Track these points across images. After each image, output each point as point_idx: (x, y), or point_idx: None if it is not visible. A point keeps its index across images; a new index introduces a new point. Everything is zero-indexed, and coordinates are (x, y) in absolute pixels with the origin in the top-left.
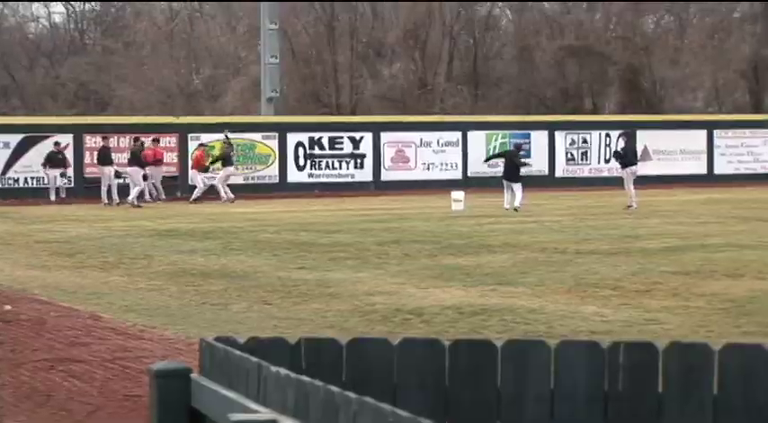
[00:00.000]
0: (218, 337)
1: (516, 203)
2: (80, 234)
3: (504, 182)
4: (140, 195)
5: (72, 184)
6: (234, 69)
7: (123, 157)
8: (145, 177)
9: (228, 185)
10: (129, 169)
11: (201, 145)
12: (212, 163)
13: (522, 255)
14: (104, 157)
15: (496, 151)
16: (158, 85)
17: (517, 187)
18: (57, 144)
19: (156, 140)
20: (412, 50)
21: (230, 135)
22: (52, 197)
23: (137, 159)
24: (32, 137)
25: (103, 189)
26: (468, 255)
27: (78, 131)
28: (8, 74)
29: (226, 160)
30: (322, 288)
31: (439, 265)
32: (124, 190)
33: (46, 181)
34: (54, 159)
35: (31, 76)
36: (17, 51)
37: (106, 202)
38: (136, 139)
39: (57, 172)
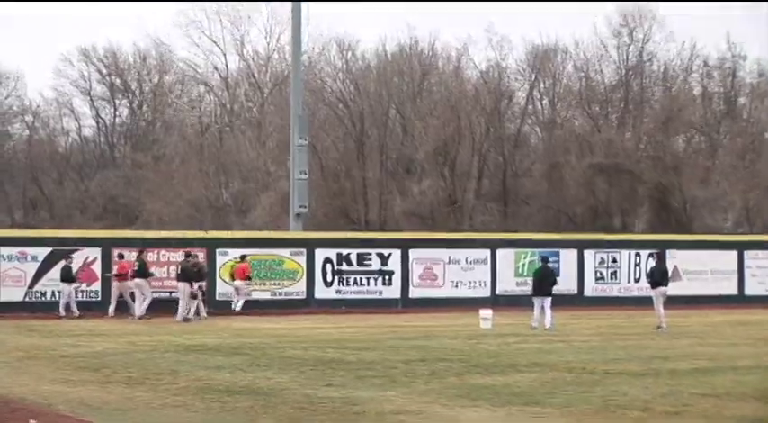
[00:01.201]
0: None
1: (548, 324)
2: (106, 349)
3: (536, 299)
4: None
5: (99, 298)
6: (263, 184)
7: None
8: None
9: (258, 301)
10: (179, 284)
11: (243, 257)
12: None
13: (549, 374)
14: (142, 271)
15: (526, 272)
16: (187, 199)
17: (548, 303)
18: (68, 258)
19: (121, 255)
20: (441, 167)
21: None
22: (74, 312)
23: (186, 275)
24: (60, 250)
25: (137, 303)
26: (496, 374)
27: (106, 245)
28: (37, 187)
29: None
30: (349, 406)
31: (466, 384)
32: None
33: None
34: (67, 274)
35: (60, 189)
36: (47, 165)
37: (142, 315)
38: (187, 255)
39: (70, 286)
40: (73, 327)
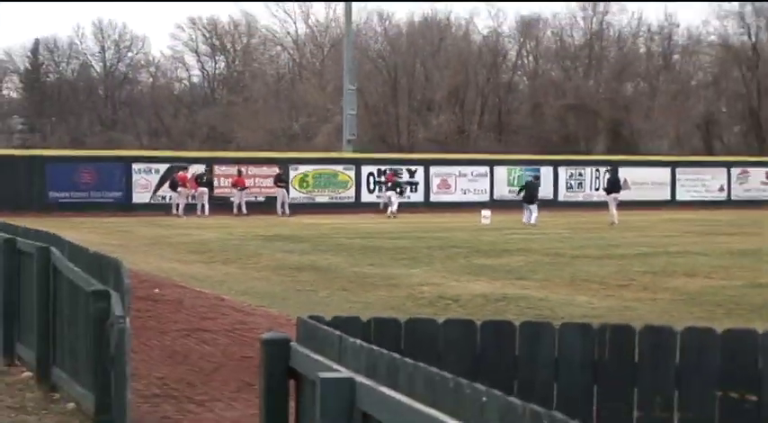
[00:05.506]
0: (310, 315)
1: (533, 221)
2: (210, 238)
3: (525, 204)
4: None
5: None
6: (323, 118)
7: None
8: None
9: (320, 203)
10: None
11: (392, 170)
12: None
13: (532, 257)
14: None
15: (520, 185)
16: (268, 129)
17: (534, 208)
18: (175, 170)
19: (184, 168)
20: (453, 106)
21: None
22: (179, 211)
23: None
24: (175, 166)
25: (235, 203)
26: (493, 257)
27: (210, 162)
28: (159, 119)
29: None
30: (386, 280)
31: (472, 264)
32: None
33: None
34: (173, 184)
35: (175, 121)
36: (165, 103)
37: (236, 212)
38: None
39: (177, 193)
40: (185, 222)
